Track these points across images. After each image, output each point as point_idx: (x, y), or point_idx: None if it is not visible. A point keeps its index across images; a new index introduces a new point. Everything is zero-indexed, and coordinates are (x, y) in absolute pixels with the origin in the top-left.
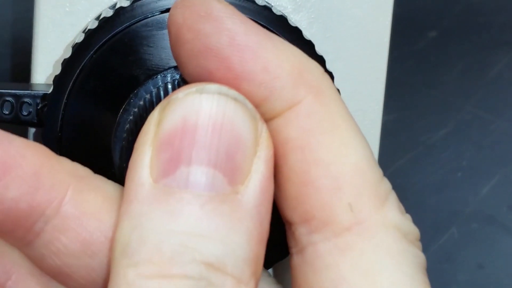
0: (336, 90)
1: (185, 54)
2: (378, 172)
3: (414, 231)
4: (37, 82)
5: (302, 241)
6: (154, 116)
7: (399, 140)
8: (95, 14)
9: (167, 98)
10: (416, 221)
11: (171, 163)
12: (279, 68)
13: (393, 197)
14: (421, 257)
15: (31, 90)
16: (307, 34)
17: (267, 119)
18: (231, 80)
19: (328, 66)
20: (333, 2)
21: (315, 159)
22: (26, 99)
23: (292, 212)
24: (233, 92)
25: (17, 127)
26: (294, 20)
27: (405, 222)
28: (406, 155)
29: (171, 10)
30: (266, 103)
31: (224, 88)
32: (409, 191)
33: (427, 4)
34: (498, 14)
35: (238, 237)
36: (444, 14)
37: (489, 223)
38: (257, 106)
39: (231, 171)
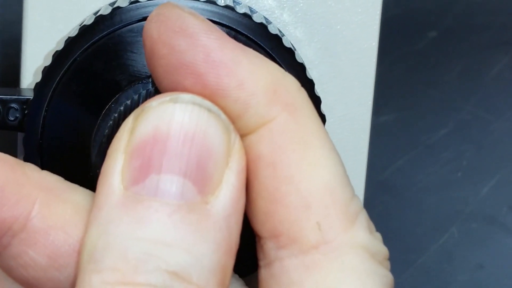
0: (312, 107)
1: (160, 69)
2: (349, 191)
3: (382, 250)
4: (26, 87)
5: (270, 255)
6: (127, 124)
7: (399, 140)
8: (89, 16)
9: (141, 106)
10: (416, 221)
11: (141, 170)
12: (255, 85)
13: (363, 216)
14: (388, 277)
15: (18, 95)
16: (295, 37)
17: (242, 135)
18: (206, 96)
19: (315, 70)
20: (321, 6)
21: (286, 176)
22: (13, 104)
23: (261, 227)
24: (206, 103)
25: (7, 132)
26: (281, 23)
27: (374, 242)
28: (406, 155)
29: (145, 24)
30: (241, 119)
31: (198, 98)
32: (409, 191)
33: (427, 4)
34: (498, 14)
35: (205, 247)
36: (444, 14)
37: (489, 223)
38: (232, 121)
39: (201, 181)
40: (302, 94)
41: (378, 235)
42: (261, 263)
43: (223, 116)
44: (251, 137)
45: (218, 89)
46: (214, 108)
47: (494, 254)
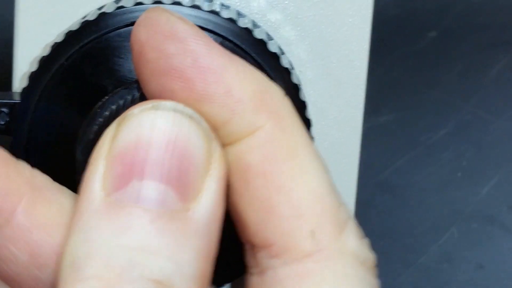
0: (296, 115)
1: (148, 72)
2: (337, 198)
3: (370, 257)
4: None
5: (263, 264)
6: (109, 131)
7: (399, 140)
8: (77, 20)
9: (124, 113)
10: (416, 221)
11: (123, 177)
12: (242, 92)
13: (352, 223)
14: (375, 284)
15: (8, 99)
16: (285, 39)
17: (228, 143)
18: (193, 101)
19: (306, 71)
20: (312, 8)
21: (277, 185)
22: (2, 108)
23: (253, 237)
24: (188, 110)
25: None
26: (272, 25)
27: (363, 249)
28: (406, 155)
29: (134, 27)
30: (228, 126)
31: (179, 106)
32: (409, 191)
33: (427, 4)
34: (498, 14)
35: (187, 255)
36: (444, 14)
37: (489, 223)
38: (218, 128)
39: (182, 188)
40: (287, 102)
41: (365, 242)
42: (253, 270)
43: (204, 123)
44: (239, 146)
45: (205, 95)
46: (196, 115)
47: (494, 254)
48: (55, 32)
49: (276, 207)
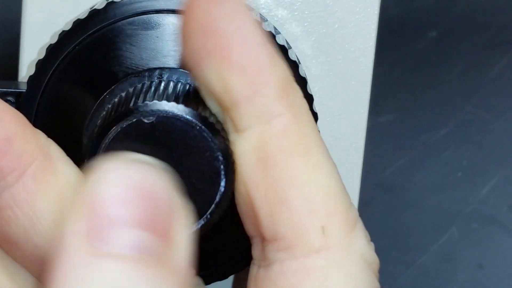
0: (311, 114)
1: (192, 30)
2: (348, 198)
3: (376, 260)
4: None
5: (270, 257)
6: (86, 185)
7: (399, 140)
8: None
9: (94, 169)
10: (416, 221)
11: (99, 228)
12: (271, 75)
13: (360, 225)
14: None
15: (14, 88)
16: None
17: (244, 128)
18: (225, 67)
19: (311, 67)
20: (318, 5)
21: (292, 178)
22: (9, 97)
23: (263, 229)
24: (150, 159)
25: None
26: (278, 21)
27: (370, 251)
28: (406, 155)
29: None
30: (247, 105)
31: (140, 156)
32: (409, 191)
33: (427, 4)
34: (498, 14)
35: None
36: (444, 14)
37: (489, 223)
38: (238, 104)
39: (157, 233)
40: (304, 101)
41: (372, 245)
42: (259, 263)
43: (164, 171)
44: (258, 135)
45: (237, 65)
46: (157, 163)
47: (494, 254)
48: (61, 22)
49: (289, 200)
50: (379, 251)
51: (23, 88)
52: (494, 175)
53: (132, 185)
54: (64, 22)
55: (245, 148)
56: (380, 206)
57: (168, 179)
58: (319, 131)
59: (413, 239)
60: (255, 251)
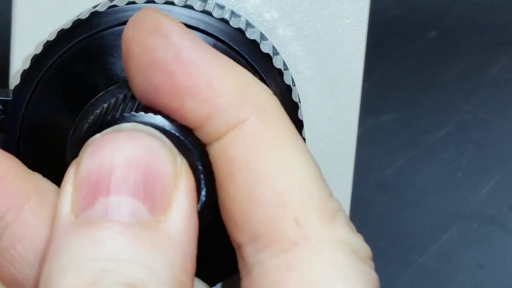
0: (283, 111)
1: (133, 68)
2: (326, 189)
3: (365, 248)
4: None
5: (250, 261)
6: (75, 159)
7: (399, 140)
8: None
9: (86, 142)
10: (416, 221)
11: (89, 197)
12: (223, 86)
13: (342, 215)
14: (372, 275)
15: (4, 96)
16: (281, 39)
17: (212, 140)
18: (175, 95)
19: (302, 71)
20: (308, 9)
21: (260, 175)
22: None
23: (239, 232)
24: (148, 129)
25: None
26: (266, 21)
27: (355, 239)
28: (406, 155)
29: (125, 27)
30: (211, 121)
31: (139, 125)
32: (409, 191)
33: (427, 4)
34: (498, 14)
35: (161, 262)
36: (444, 14)
37: (489, 223)
38: (201, 124)
39: (150, 201)
40: (272, 98)
41: (360, 236)
42: (242, 273)
43: (166, 140)
44: (223, 140)
45: (187, 88)
46: (157, 133)
47: (494, 254)
48: (51, 31)
49: (260, 196)
50: (379, 251)
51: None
52: (494, 175)
53: (126, 154)
54: (55, 30)
55: (214, 155)
56: (380, 206)
57: (170, 149)
58: (293, 126)
59: (413, 239)
60: (239, 261)
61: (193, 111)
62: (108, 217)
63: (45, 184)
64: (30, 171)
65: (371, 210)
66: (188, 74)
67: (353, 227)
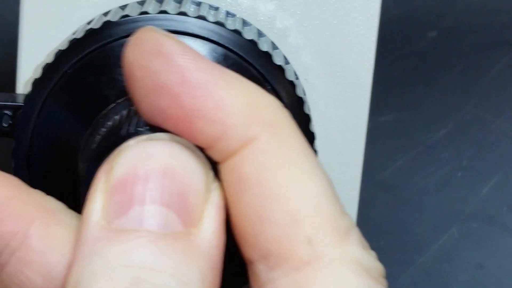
0: (294, 125)
1: (138, 92)
2: (338, 207)
3: (378, 267)
4: (22, 92)
5: (262, 278)
6: (105, 165)
7: (399, 140)
8: (82, 27)
9: (119, 147)
10: (416, 221)
11: (124, 204)
12: (232, 105)
13: (355, 233)
14: None
15: (12, 102)
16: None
17: (224, 159)
18: (183, 118)
19: (311, 79)
20: (319, 12)
21: (272, 193)
22: (6, 111)
23: (251, 250)
24: (183, 140)
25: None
26: (276, 29)
27: (368, 258)
28: (406, 155)
29: (125, 48)
30: (221, 141)
31: (175, 137)
32: (409, 191)
33: (427, 4)
34: (498, 14)
35: (192, 274)
36: (444, 14)
37: (489, 223)
38: (211, 144)
39: (184, 213)
40: (283, 113)
41: (372, 253)
42: None
43: (199, 153)
44: (234, 159)
45: (194, 110)
46: (191, 145)
47: (494, 254)
48: (59, 35)
49: (271, 215)
50: (379, 251)
51: (21, 101)
52: (494, 175)
53: (162, 165)
54: (62, 36)
55: (225, 173)
56: (380, 206)
57: (203, 162)
58: (305, 142)
59: (413, 239)
60: (251, 277)
61: (202, 132)
62: (142, 226)
63: (49, 202)
64: (32, 190)
65: (371, 210)
66: (194, 96)
67: (366, 245)
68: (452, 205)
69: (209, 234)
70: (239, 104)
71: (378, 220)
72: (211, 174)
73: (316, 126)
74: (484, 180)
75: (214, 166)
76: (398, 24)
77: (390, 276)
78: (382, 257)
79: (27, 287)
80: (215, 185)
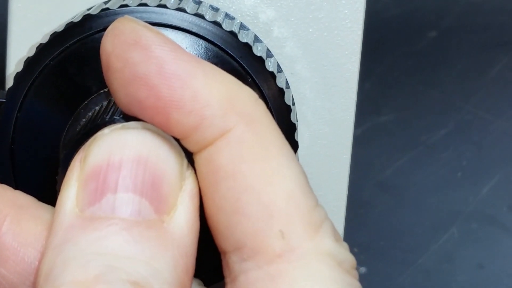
0: (270, 117)
1: (115, 82)
2: (312, 199)
3: (350, 259)
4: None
5: (235, 269)
6: (79, 154)
7: (399, 140)
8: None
9: (94, 135)
10: (416, 221)
11: (97, 192)
12: (209, 96)
13: (328, 225)
14: (356, 286)
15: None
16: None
17: (200, 149)
18: (160, 109)
19: (298, 73)
20: (304, 11)
21: (246, 186)
22: None
23: (224, 241)
24: (157, 129)
25: None
26: (261, 22)
27: (340, 250)
28: (406, 155)
29: (102, 39)
30: (197, 132)
31: (149, 125)
32: (409, 191)
33: (427, 4)
34: (498, 14)
35: (164, 262)
36: (444, 14)
37: (489, 223)
38: (188, 135)
39: (157, 200)
40: (260, 105)
41: (345, 245)
42: (227, 280)
43: (173, 141)
44: (210, 149)
45: (171, 101)
46: (165, 134)
47: (494, 254)
48: (47, 32)
49: (245, 207)
50: (379, 251)
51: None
52: (494, 175)
53: (135, 153)
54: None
55: (200, 164)
56: (380, 206)
57: (177, 151)
58: (281, 134)
59: (413, 239)
60: (224, 268)
61: (179, 123)
62: (115, 213)
63: (20, 198)
64: (3, 187)
65: (371, 210)
66: (172, 87)
67: (339, 237)
68: (452, 205)
69: (182, 221)
70: (216, 96)
71: (378, 220)
72: (185, 162)
73: (303, 119)
74: (484, 180)
75: (189, 156)
76: (398, 24)
77: (390, 276)
78: (382, 257)
79: (3, 286)
80: (189, 173)
